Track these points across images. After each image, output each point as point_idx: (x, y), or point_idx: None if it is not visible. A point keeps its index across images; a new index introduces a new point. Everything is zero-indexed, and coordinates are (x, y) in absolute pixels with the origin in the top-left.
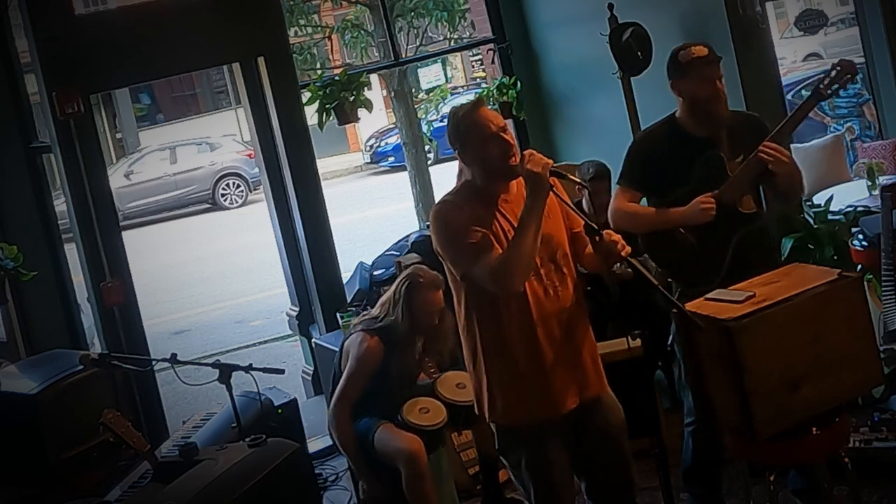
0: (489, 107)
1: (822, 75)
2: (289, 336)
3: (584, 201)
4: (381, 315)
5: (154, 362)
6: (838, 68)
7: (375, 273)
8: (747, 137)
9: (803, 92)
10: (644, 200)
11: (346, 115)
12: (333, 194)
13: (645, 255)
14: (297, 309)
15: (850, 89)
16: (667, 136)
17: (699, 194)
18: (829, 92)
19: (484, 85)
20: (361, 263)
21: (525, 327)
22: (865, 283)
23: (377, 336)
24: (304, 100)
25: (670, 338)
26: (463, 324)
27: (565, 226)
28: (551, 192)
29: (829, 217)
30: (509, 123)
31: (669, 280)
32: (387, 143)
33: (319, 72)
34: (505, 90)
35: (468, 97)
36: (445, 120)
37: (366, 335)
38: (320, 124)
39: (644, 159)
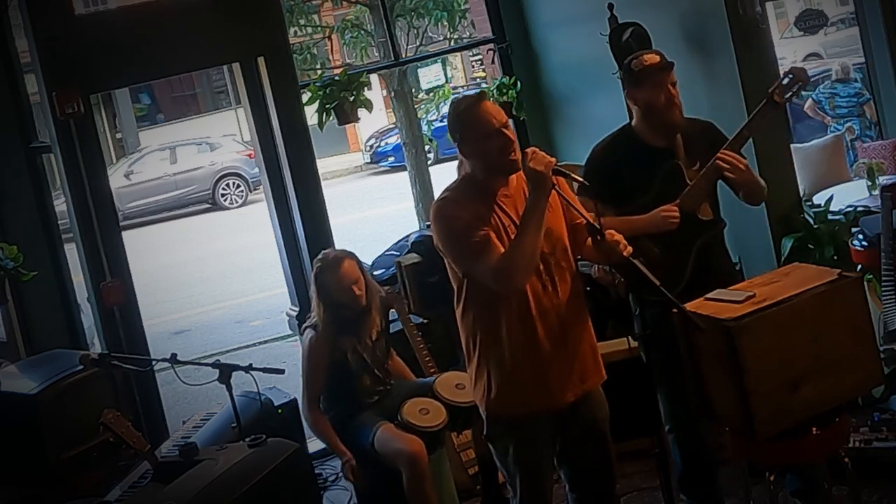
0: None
1: (775, 82)
2: (289, 336)
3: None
4: (312, 313)
5: (154, 362)
6: (790, 76)
7: (375, 273)
8: (703, 145)
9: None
10: None
11: (346, 115)
12: (333, 194)
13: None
14: (297, 309)
15: (850, 89)
16: (623, 147)
17: (659, 203)
18: (782, 99)
19: (484, 85)
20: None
21: (524, 322)
22: (865, 283)
23: (316, 330)
24: (304, 100)
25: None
26: (461, 317)
27: (565, 218)
28: (553, 190)
29: (829, 217)
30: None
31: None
32: (387, 143)
33: (319, 72)
34: (505, 90)
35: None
36: (446, 117)
37: (308, 331)
38: (320, 124)
39: (602, 170)
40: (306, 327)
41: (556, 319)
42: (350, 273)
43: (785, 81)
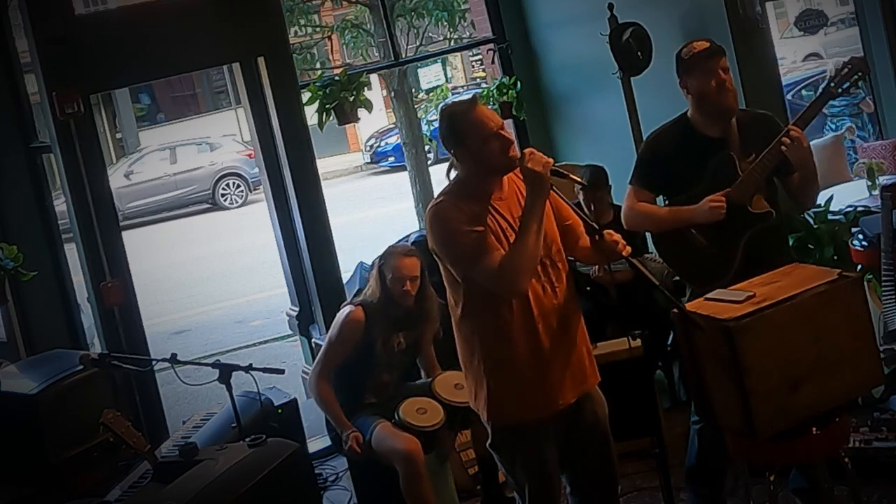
0: (488, 106)
1: (832, 72)
2: (289, 336)
3: (581, 202)
4: (365, 290)
5: (154, 362)
6: (850, 66)
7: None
8: (759, 136)
9: (804, 92)
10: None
11: (346, 115)
12: (333, 194)
13: (646, 254)
14: (297, 309)
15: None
16: (678, 136)
17: (711, 194)
18: (839, 90)
19: (484, 85)
20: (361, 263)
21: (527, 325)
22: (865, 283)
23: (361, 307)
24: (304, 100)
25: (670, 338)
26: (459, 324)
27: (556, 220)
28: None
29: (829, 217)
30: (509, 123)
31: (678, 279)
32: (387, 143)
33: (319, 72)
34: (505, 90)
35: (468, 97)
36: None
37: (350, 305)
38: (320, 124)
39: (655, 159)
40: (348, 302)
41: (557, 321)
42: (410, 268)
43: (844, 71)
